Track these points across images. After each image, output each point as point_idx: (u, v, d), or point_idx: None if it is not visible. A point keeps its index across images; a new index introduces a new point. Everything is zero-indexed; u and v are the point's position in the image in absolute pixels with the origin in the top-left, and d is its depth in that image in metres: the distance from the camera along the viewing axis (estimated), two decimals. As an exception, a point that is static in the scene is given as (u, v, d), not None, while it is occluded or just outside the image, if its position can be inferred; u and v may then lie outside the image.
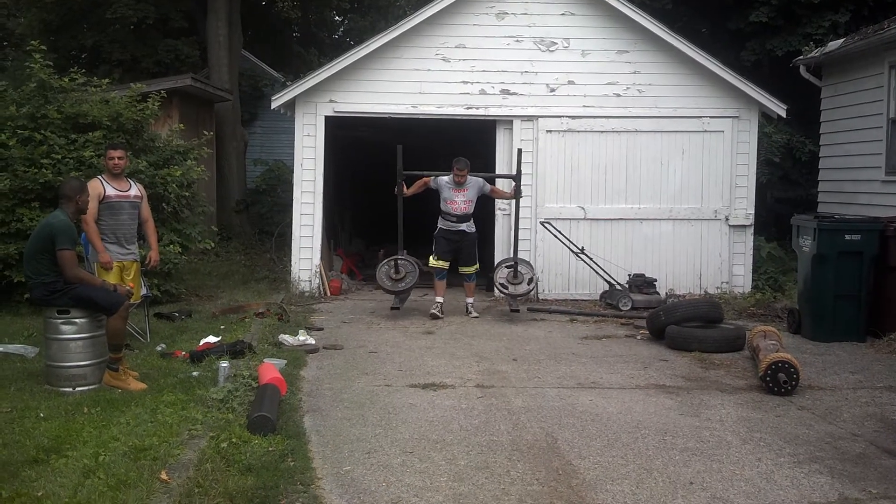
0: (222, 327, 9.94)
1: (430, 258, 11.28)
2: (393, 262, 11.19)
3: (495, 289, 11.61)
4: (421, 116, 12.90)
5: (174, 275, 11.80)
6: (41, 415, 6.30)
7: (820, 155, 14.82)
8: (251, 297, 12.23)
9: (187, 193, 11.68)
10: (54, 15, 21.60)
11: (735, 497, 5.16)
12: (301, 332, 9.57)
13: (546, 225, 12.41)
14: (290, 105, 13.01)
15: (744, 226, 13.01)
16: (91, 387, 7.12)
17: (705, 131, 12.90)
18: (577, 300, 12.62)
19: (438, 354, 8.98)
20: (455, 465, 5.62)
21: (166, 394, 6.86)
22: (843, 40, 13.62)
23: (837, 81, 14.05)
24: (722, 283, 12.97)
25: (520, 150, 11.65)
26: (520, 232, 12.64)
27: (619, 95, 12.82)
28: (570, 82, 12.79)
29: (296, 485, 5.19)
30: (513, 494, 5.15)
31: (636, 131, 12.86)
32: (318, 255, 13.01)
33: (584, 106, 12.81)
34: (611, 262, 12.51)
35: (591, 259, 12.27)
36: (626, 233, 12.90)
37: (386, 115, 12.92)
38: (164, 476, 5.07)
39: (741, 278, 13.05)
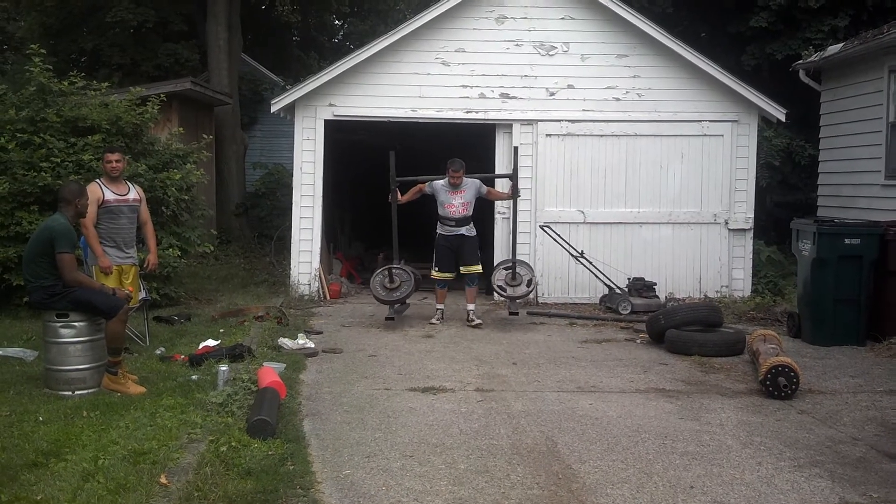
0: (221, 331, 9.92)
1: (432, 270, 11.03)
2: (387, 272, 10.91)
3: (494, 292, 11.40)
4: (420, 120, 12.90)
5: (173, 278, 11.79)
6: (40, 418, 6.29)
7: (819, 159, 14.84)
8: (250, 301, 12.22)
9: (186, 197, 11.68)
10: (54, 18, 21.65)
11: (735, 501, 5.15)
12: (300, 335, 9.57)
13: (546, 229, 12.40)
14: (290, 109, 13.01)
15: (743, 230, 13.00)
16: (90, 390, 7.11)
17: (705, 135, 12.90)
18: (576, 304, 12.61)
19: (438, 358, 8.98)
20: (455, 469, 5.61)
21: (165, 397, 6.84)
22: (842, 45, 13.64)
23: (837, 86, 14.07)
24: (722, 286, 12.96)
25: (516, 149, 11.39)
26: (519, 236, 12.65)
27: (618, 99, 12.82)
28: (570, 86, 12.79)
29: (295, 489, 5.18)
30: (513, 498, 5.14)
31: (636, 135, 12.86)
32: (318, 259, 13.00)
33: (584, 110, 12.81)
34: (610, 265, 12.51)
35: (590, 263, 12.27)
36: (626, 236, 12.90)
37: (385, 119, 12.92)
38: (163, 480, 5.06)
39: (741, 282, 13.04)
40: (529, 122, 12.81)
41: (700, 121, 12.88)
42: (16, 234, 10.28)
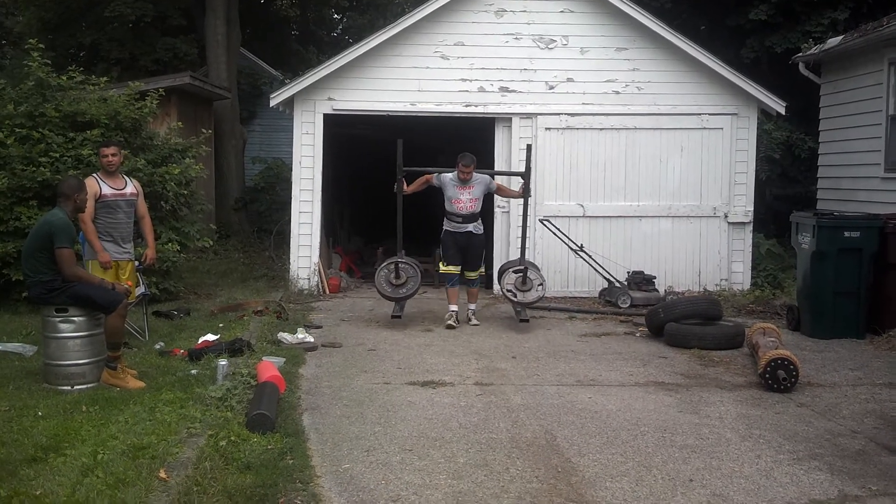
0: (221, 325, 9.92)
1: (440, 264, 10.72)
2: (393, 266, 10.39)
3: (504, 296, 10.76)
4: (420, 114, 12.89)
5: (173, 273, 11.79)
6: (39, 413, 6.29)
7: (819, 152, 14.82)
8: (250, 295, 12.22)
9: (186, 191, 11.66)
10: (52, 13, 21.61)
11: (735, 494, 5.15)
12: (300, 330, 9.57)
13: (545, 222, 12.39)
14: (289, 103, 12.99)
15: (743, 223, 13.00)
16: (89, 385, 7.11)
17: (704, 128, 12.88)
18: (576, 297, 12.60)
19: (437, 352, 8.97)
20: (454, 463, 5.62)
21: (165, 392, 6.84)
22: (842, 37, 13.61)
23: (836, 78, 14.04)
24: (721, 280, 12.96)
25: (528, 146, 10.91)
26: (518, 229, 12.62)
27: (618, 93, 12.80)
28: (570, 80, 12.77)
29: (295, 483, 5.18)
30: (512, 492, 5.14)
31: (635, 129, 12.85)
32: (317, 253, 12.99)
33: (584, 103, 12.80)
34: (610, 259, 12.50)
35: (590, 256, 12.25)
36: (625, 230, 12.90)
37: (385, 113, 12.90)
38: (162, 474, 5.06)
39: (740, 275, 13.04)
40: (529, 116, 12.80)
41: (699, 114, 12.86)
42: (15, 228, 10.27)
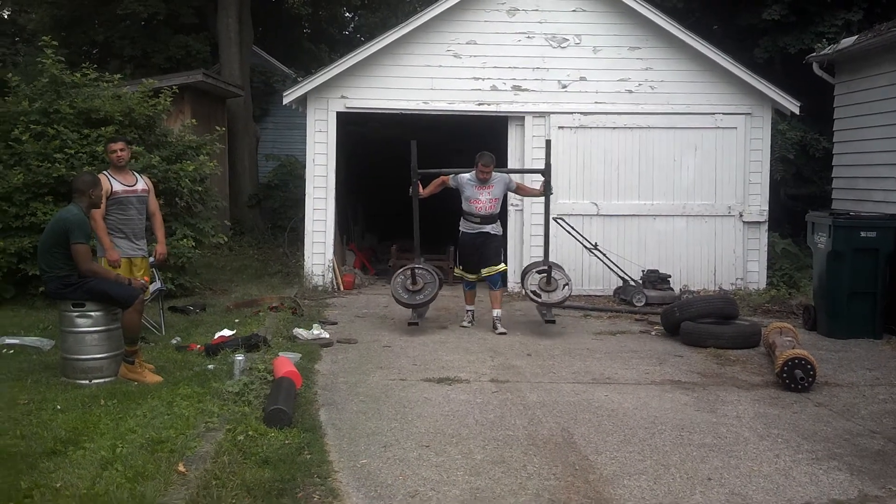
0: (237, 321, 9.93)
1: (455, 268, 10.44)
2: (409, 272, 9.99)
3: (529, 297, 10.33)
4: (432, 112, 12.88)
5: (188, 269, 11.83)
6: (58, 407, 6.30)
7: (834, 152, 14.74)
8: (265, 292, 12.24)
9: (200, 188, 11.69)
10: (65, 10, 21.67)
11: (754, 493, 5.13)
12: (315, 326, 9.58)
13: (559, 221, 12.34)
14: (302, 101, 13.01)
15: (758, 222, 12.97)
16: (107, 379, 7.12)
17: (718, 128, 12.86)
18: (590, 296, 12.58)
19: (452, 349, 8.97)
20: (471, 460, 5.61)
21: (182, 387, 6.85)
22: (856, 37, 13.54)
23: (851, 79, 13.97)
24: (736, 279, 12.93)
25: (548, 142, 10.54)
26: (532, 227, 12.68)
27: (631, 92, 12.78)
28: (582, 79, 12.76)
29: (313, 478, 5.19)
30: (529, 489, 5.13)
31: (648, 128, 12.83)
32: (331, 250, 13.01)
33: (596, 102, 12.78)
34: (624, 258, 12.48)
35: (604, 255, 12.24)
36: (640, 229, 12.88)
37: (397, 111, 12.90)
38: (181, 468, 5.07)
39: (756, 275, 13.01)
40: (542, 115, 12.79)
41: (713, 113, 12.84)
42: (31, 224, 10.32)
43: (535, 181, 11.32)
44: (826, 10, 16.21)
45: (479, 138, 13.88)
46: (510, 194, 12.09)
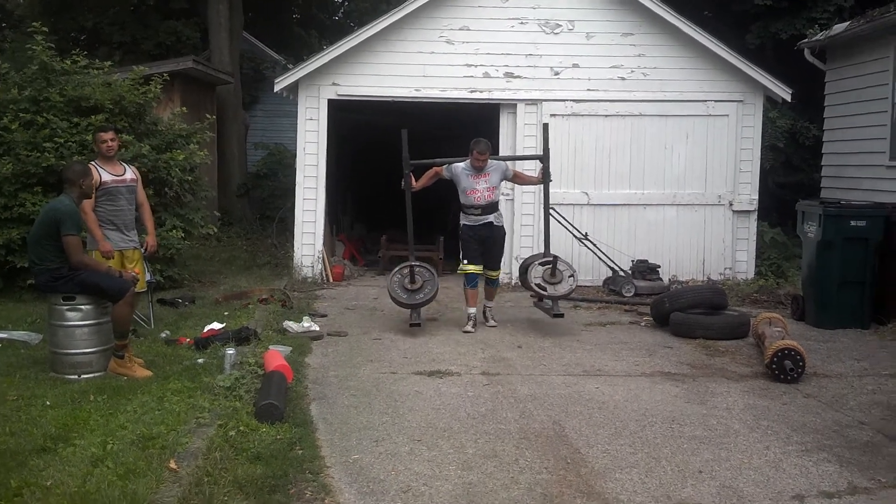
0: (226, 313, 9.91)
1: (461, 264, 9.67)
2: (408, 270, 9.49)
3: (533, 291, 9.85)
4: (424, 100, 12.80)
5: (177, 260, 11.78)
6: (47, 403, 6.28)
7: (823, 139, 14.76)
8: (254, 283, 12.21)
9: (190, 178, 11.61)
10: (54, -5, 21.49)
11: (744, 486, 5.15)
12: (305, 318, 9.56)
13: (550, 210, 12.32)
14: (293, 88, 12.93)
15: (747, 211, 12.97)
16: (97, 374, 7.10)
17: (710, 115, 12.83)
18: (580, 286, 12.42)
19: (443, 342, 8.96)
20: (463, 454, 5.62)
21: (172, 381, 6.84)
22: (848, 23, 13.53)
23: (842, 65, 13.97)
24: (725, 269, 12.94)
25: (545, 126, 10.22)
26: (523, 217, 12.65)
27: (623, 79, 12.74)
28: (575, 65, 12.71)
29: (305, 473, 5.19)
30: (522, 483, 5.14)
31: (640, 115, 12.80)
32: (321, 241, 12.96)
33: (589, 90, 12.73)
34: (614, 247, 12.47)
35: (594, 245, 12.23)
36: (630, 218, 12.86)
37: (389, 99, 12.83)
38: (172, 465, 5.06)
39: (744, 264, 13.03)
40: (534, 102, 12.74)
41: (705, 101, 12.81)
42: (19, 215, 10.24)
43: (527, 170, 11.24)
44: (818, -5, 16.23)
45: (471, 126, 13.82)
46: (502, 185, 12.05)
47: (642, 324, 10.14)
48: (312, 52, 23.42)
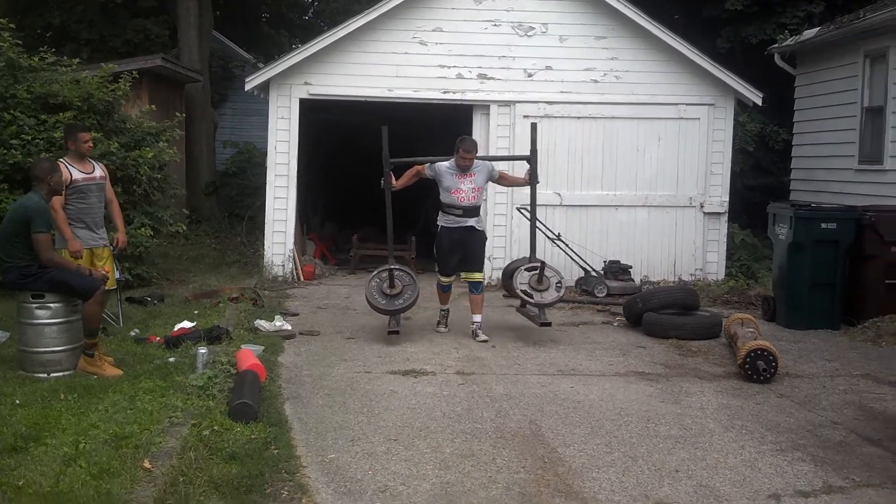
0: (196, 312, 9.79)
1: (439, 277, 9.35)
2: (387, 274, 8.94)
3: (519, 297, 9.46)
4: (397, 100, 12.76)
5: (145, 258, 11.62)
6: (17, 401, 6.16)
7: (793, 143, 14.96)
8: (223, 282, 12.10)
9: (159, 176, 11.48)
10: (20, -8, 21.11)
11: (721, 485, 5.17)
12: (277, 317, 9.48)
13: (522, 211, 12.32)
14: (265, 87, 12.83)
15: (718, 213, 13.07)
16: (66, 372, 6.98)
17: (681, 118, 12.92)
18: (552, 286, 12.56)
19: (416, 341, 8.93)
20: (440, 453, 5.59)
21: (144, 380, 6.74)
22: (818, 29, 13.71)
23: (812, 70, 14.16)
24: (696, 269, 13.03)
25: (533, 125, 9.82)
26: (495, 218, 12.64)
27: (596, 81, 12.79)
28: (548, 68, 12.74)
29: (281, 473, 5.14)
30: (500, 482, 5.12)
31: (613, 118, 12.85)
32: (292, 240, 12.88)
33: (562, 92, 12.77)
34: (586, 248, 12.51)
35: (567, 245, 12.26)
36: (602, 219, 12.92)
37: (362, 99, 12.78)
38: (146, 464, 4.99)
39: (715, 265, 13.13)
40: (507, 104, 12.75)
41: (677, 104, 12.89)
42: (-15, 212, 10.05)
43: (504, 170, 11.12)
44: (788, 1, 16.38)
45: (444, 127, 13.83)
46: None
47: (615, 324, 10.17)
48: (282, 51, 23.26)
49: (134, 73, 12.27)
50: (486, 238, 9.60)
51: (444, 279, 9.30)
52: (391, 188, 9.15)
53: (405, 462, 5.42)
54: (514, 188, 11.74)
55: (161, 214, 11.55)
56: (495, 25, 12.67)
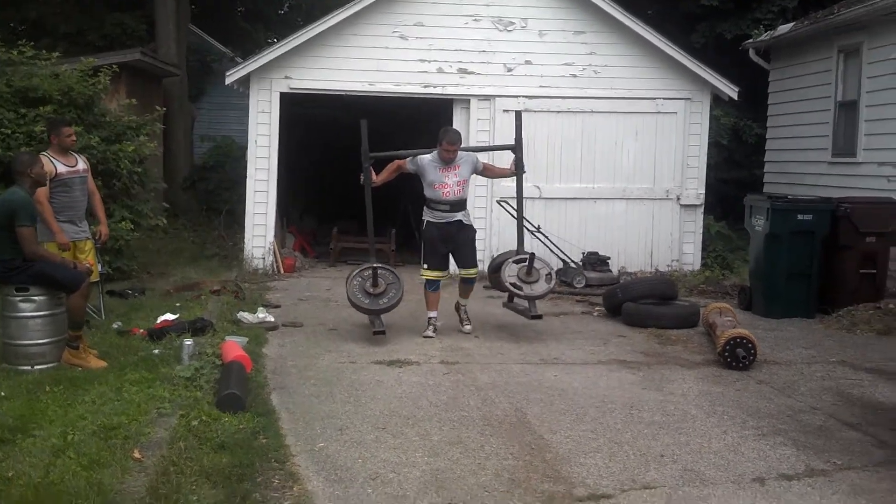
0: (178, 305, 9.78)
1: (422, 268, 9.02)
2: (369, 272, 8.61)
3: (507, 290, 9.08)
4: (378, 94, 12.80)
5: (125, 252, 11.57)
6: (2, 394, 6.16)
7: (767, 136, 15.13)
8: (203, 275, 12.08)
9: (139, 169, 11.44)
10: (-4, -15, 20.89)
11: (706, 469, 5.27)
12: (260, 309, 9.50)
13: (502, 203, 12.41)
14: (245, 81, 12.82)
15: (694, 205, 13.22)
16: (50, 365, 6.97)
17: (659, 112, 13.05)
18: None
19: (399, 332, 8.96)
20: (429, 441, 5.65)
21: (130, 372, 6.74)
22: (792, 24, 13.89)
23: (786, 65, 14.34)
24: (672, 260, 13.18)
25: (518, 113, 9.44)
26: (476, 210, 12.64)
27: (575, 76, 12.88)
28: (528, 62, 12.82)
29: (271, 462, 5.17)
30: (489, 469, 5.19)
31: (591, 112, 12.95)
32: (272, 233, 12.89)
33: (541, 86, 12.85)
34: (565, 240, 12.62)
35: (546, 237, 12.35)
36: (581, 211, 13.03)
37: (343, 93, 12.80)
38: (136, 455, 5.01)
39: (691, 256, 13.29)
40: (487, 98, 12.81)
41: (654, 98, 13.02)
42: (-36, 206, 9.96)
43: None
44: (763, -4, 16.60)
45: (424, 122, 13.87)
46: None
47: (594, 314, 10.28)
48: (258, 45, 23.18)
49: (114, 66, 12.20)
50: (476, 231, 9.31)
51: (431, 274, 8.83)
52: (371, 184, 8.81)
53: (394, 450, 5.47)
54: (495, 180, 11.88)
55: (141, 208, 11.52)
56: (475, 20, 12.73)
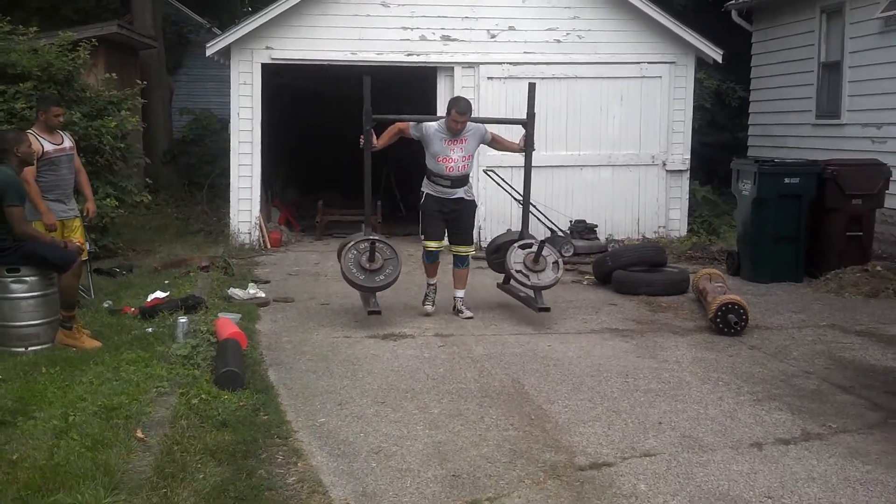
0: (167, 282, 9.72)
1: (422, 240, 8.65)
2: (366, 245, 8.02)
3: (513, 279, 8.52)
4: (360, 63, 12.64)
5: (111, 229, 11.49)
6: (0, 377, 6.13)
7: (750, 99, 15.15)
8: (190, 251, 12.01)
9: (122, 145, 11.30)
10: (-38, -42, 20.46)
11: (704, 435, 5.33)
12: (251, 285, 9.47)
13: (489, 173, 12.39)
14: (225, 52, 12.67)
15: (680, 171, 13.25)
16: (44, 346, 6.92)
17: (643, 77, 13.02)
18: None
19: (392, 304, 8.94)
20: (429, 414, 5.68)
21: (125, 351, 6.71)
22: (775, -15, 13.85)
23: (769, 26, 14.32)
24: (659, 227, 13.23)
25: (531, 85, 8.92)
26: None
27: (559, 41, 12.82)
28: (511, 28, 12.73)
29: (273, 438, 5.19)
30: (490, 440, 5.23)
31: (576, 77, 12.91)
32: (258, 207, 12.82)
33: (525, 52, 12.78)
34: (552, 208, 12.62)
35: (533, 206, 12.32)
36: (567, 179, 13.03)
37: (325, 63, 12.67)
38: (139, 434, 5.01)
39: (677, 222, 13.34)
40: (471, 65, 12.74)
41: (639, 62, 12.98)
42: (-55, 186, 9.82)
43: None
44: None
45: (407, 90, 13.76)
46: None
47: (584, 282, 10.33)
48: (235, 15, 22.92)
49: (93, 41, 12.02)
50: (476, 205, 8.97)
51: (430, 244, 8.46)
52: (371, 147, 8.28)
53: (395, 423, 5.49)
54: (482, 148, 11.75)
55: (125, 184, 11.39)
56: (458, -15, 12.61)
